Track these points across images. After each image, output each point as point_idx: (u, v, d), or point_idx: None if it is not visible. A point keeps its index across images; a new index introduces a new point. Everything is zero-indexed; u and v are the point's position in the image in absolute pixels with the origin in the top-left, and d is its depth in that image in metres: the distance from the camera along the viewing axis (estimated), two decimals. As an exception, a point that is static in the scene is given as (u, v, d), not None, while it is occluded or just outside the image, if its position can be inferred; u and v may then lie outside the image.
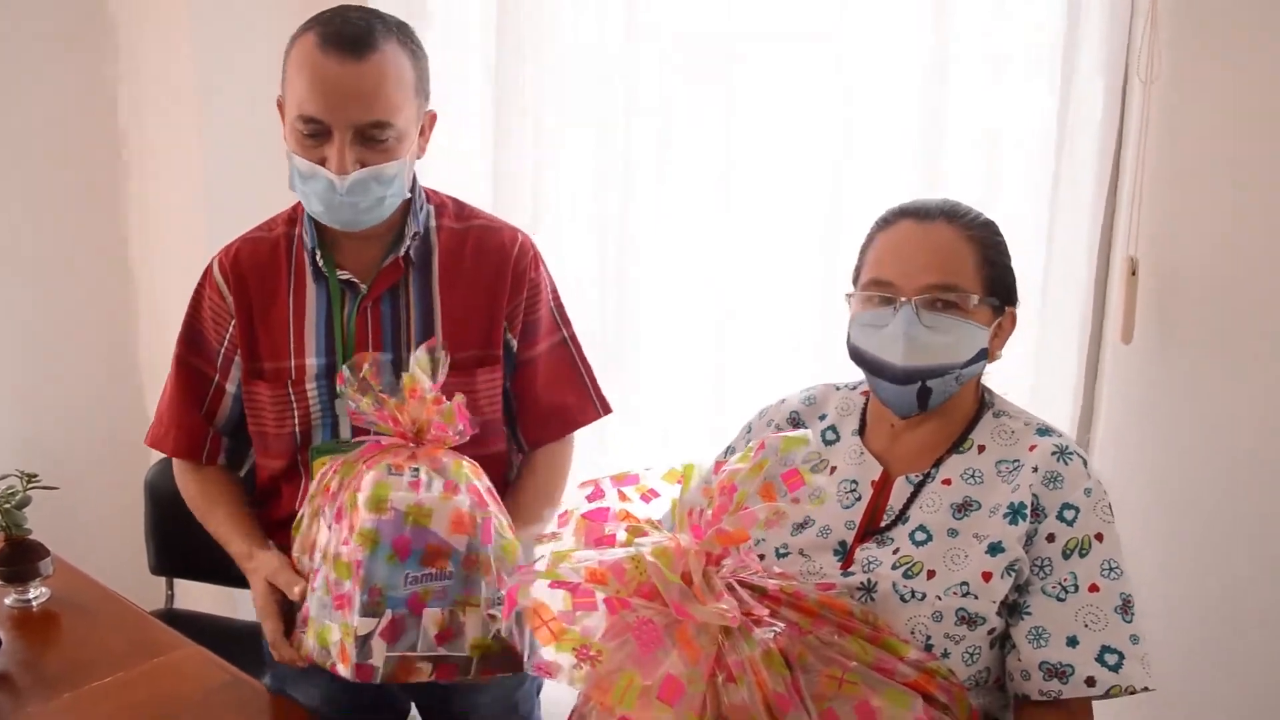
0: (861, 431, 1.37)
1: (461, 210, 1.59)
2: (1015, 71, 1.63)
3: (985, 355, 1.27)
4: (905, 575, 1.21)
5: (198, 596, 2.29)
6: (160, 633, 1.62)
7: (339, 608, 1.27)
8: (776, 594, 1.16)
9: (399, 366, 1.45)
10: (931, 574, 1.20)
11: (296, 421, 1.51)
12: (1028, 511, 1.20)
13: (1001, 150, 1.64)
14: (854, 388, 1.42)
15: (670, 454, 1.26)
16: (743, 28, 1.89)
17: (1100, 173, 1.53)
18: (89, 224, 2.64)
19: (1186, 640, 1.50)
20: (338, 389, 1.36)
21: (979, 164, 1.66)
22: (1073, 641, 1.15)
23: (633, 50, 1.99)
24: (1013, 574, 1.18)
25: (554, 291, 1.62)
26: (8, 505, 1.65)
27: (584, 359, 1.64)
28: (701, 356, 2.09)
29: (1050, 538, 1.20)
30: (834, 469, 1.34)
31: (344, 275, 1.50)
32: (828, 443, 1.38)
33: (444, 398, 1.34)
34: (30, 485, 1.68)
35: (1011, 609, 1.20)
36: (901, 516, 1.26)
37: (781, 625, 1.11)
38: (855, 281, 1.33)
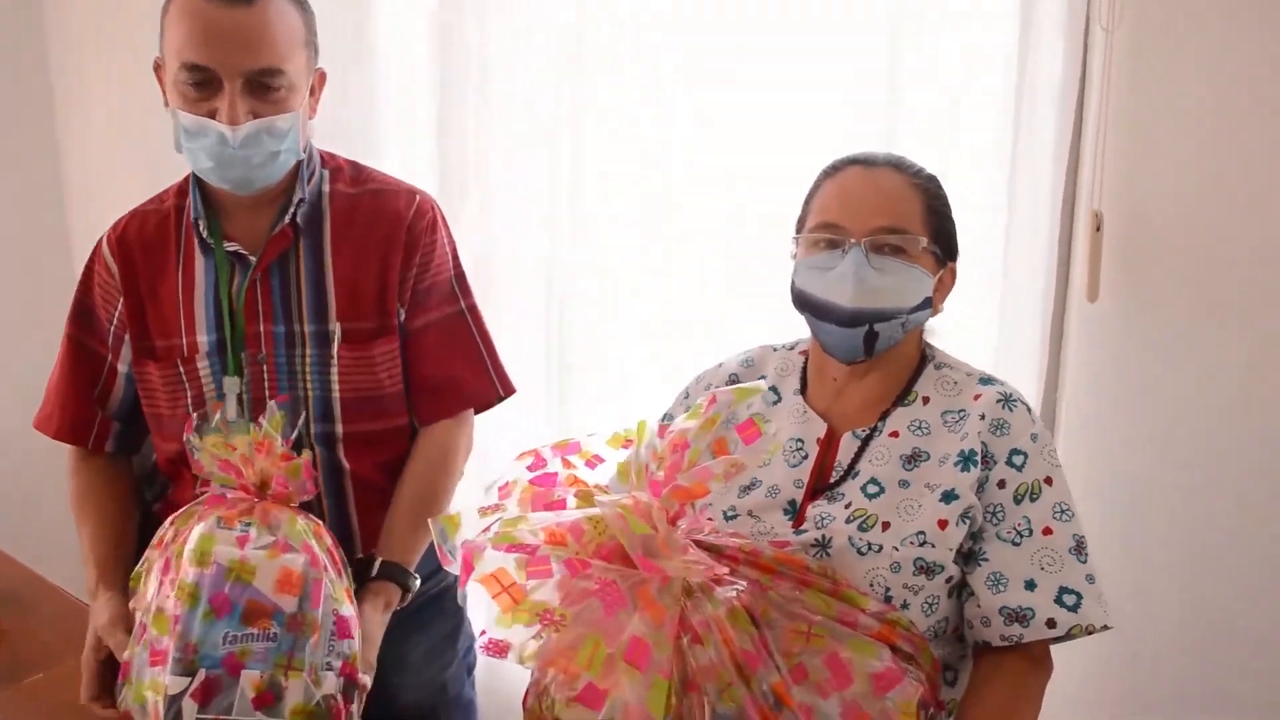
0: (803, 390, 1.34)
1: (359, 173, 1.51)
2: (973, 25, 1.58)
3: (930, 305, 1.27)
4: (860, 528, 1.19)
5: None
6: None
7: (155, 664, 1.19)
8: (734, 553, 1.13)
9: (291, 340, 1.41)
10: (886, 525, 1.18)
11: (190, 401, 1.44)
12: (978, 459, 1.19)
13: (959, 105, 1.59)
14: (791, 347, 1.40)
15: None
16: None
17: (1062, 124, 1.47)
18: (31, 221, 2.59)
19: (1163, 607, 1.48)
20: (184, 438, 1.30)
21: (937, 120, 1.61)
22: (1031, 585, 1.15)
23: (579, 52, 1.93)
24: (967, 521, 1.18)
25: (455, 258, 1.53)
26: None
27: (485, 334, 1.54)
28: (655, 361, 2.00)
29: (1001, 484, 1.20)
30: (778, 430, 1.32)
31: (231, 246, 1.42)
32: (770, 404, 1.35)
33: (293, 454, 1.29)
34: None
35: (967, 557, 1.19)
36: (851, 471, 1.25)
37: (743, 583, 1.07)
38: (800, 229, 1.31)
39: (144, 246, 1.46)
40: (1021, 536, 1.17)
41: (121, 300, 1.46)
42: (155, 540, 1.31)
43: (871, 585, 1.16)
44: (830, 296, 1.23)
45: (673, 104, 1.88)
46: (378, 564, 1.39)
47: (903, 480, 1.21)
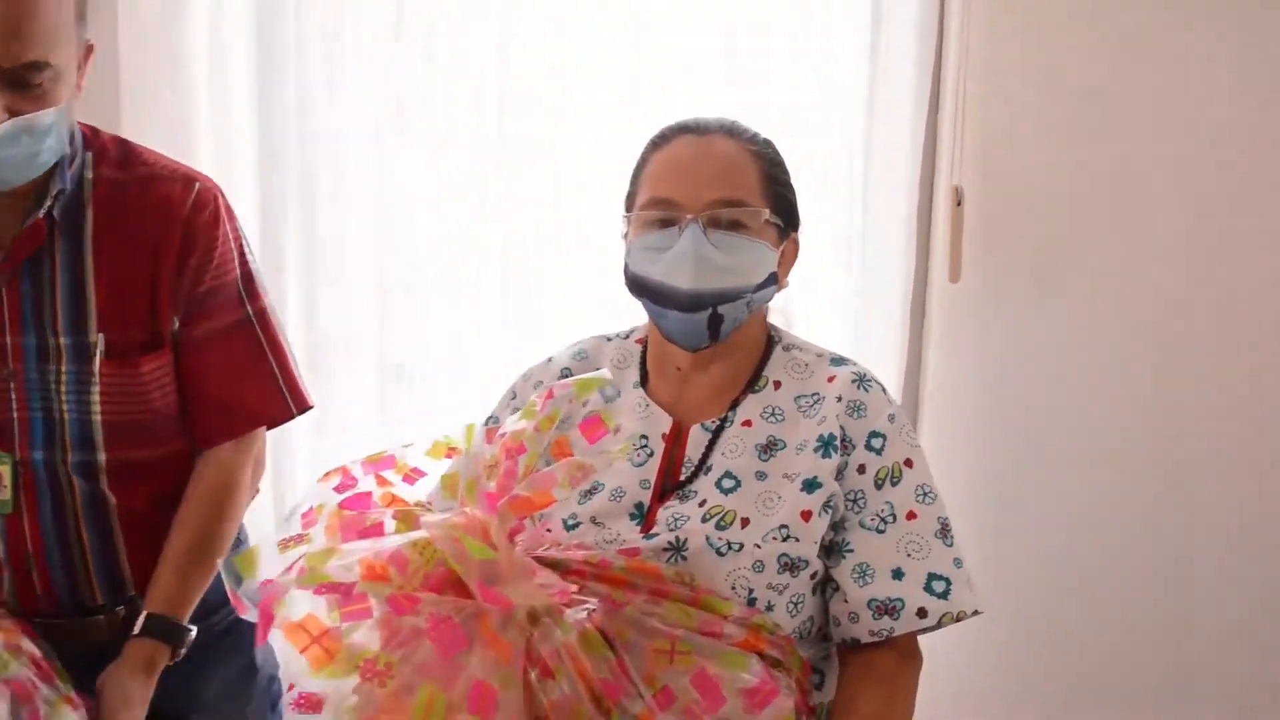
0: (644, 383, 1.23)
1: (128, 156, 1.28)
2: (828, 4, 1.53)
3: (775, 281, 1.18)
4: (718, 527, 1.09)
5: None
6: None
7: None
8: (580, 567, 1.01)
9: (45, 354, 1.22)
10: (745, 521, 1.09)
11: None
12: (838, 443, 1.12)
13: (813, 80, 1.53)
14: (626, 336, 1.29)
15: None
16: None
17: (919, 95, 1.42)
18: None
19: (1026, 592, 1.46)
20: None
21: (789, 95, 1.54)
22: (898, 574, 1.08)
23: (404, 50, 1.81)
24: (830, 510, 1.10)
25: (243, 256, 1.33)
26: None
27: (276, 342, 1.34)
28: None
29: (861, 469, 1.12)
30: (619, 427, 1.20)
31: None
32: (607, 399, 1.23)
33: None
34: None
35: (830, 550, 1.11)
36: (703, 466, 1.14)
37: (595, 601, 0.95)
38: (629, 207, 1.20)
39: None
40: (885, 523, 1.11)
41: None
42: None
43: (733, 588, 1.06)
44: (669, 279, 1.13)
45: (493, 96, 1.83)
46: (142, 620, 1.20)
47: (759, 471, 1.12)
